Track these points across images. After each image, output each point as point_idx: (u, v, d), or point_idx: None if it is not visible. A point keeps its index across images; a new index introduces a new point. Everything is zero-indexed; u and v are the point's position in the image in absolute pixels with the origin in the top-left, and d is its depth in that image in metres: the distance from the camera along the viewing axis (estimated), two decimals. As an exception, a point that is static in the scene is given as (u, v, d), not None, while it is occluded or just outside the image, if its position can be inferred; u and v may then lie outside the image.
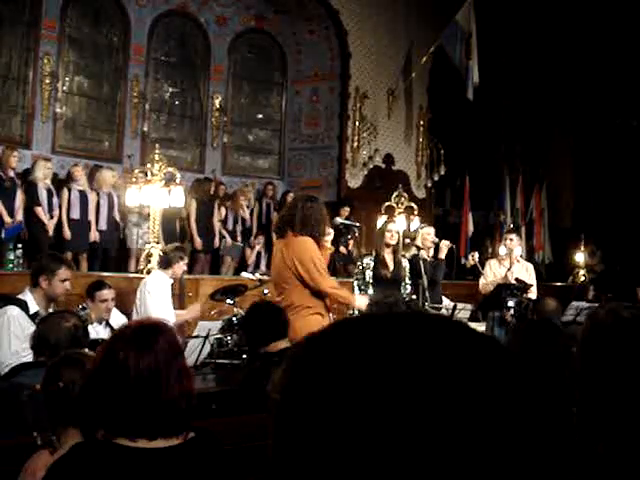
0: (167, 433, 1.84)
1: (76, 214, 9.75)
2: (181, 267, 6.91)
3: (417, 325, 0.62)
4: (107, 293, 5.78)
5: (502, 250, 8.66)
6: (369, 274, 6.90)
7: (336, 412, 0.57)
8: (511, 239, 8.51)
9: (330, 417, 0.57)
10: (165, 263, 6.92)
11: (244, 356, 7.29)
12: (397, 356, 0.58)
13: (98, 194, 10.14)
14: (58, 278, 4.70)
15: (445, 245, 7.77)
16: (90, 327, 4.92)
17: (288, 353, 0.65)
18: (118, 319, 5.97)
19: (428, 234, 7.93)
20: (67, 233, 9.64)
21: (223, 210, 11.52)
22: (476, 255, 8.67)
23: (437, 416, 0.56)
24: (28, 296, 4.66)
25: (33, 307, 4.60)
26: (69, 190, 9.78)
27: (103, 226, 10.13)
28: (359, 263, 7.11)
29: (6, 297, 5.23)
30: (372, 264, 6.94)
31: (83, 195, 9.86)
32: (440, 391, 0.57)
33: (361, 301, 5.62)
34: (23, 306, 4.57)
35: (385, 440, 0.56)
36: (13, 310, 4.54)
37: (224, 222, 11.50)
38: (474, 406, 0.57)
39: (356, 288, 6.89)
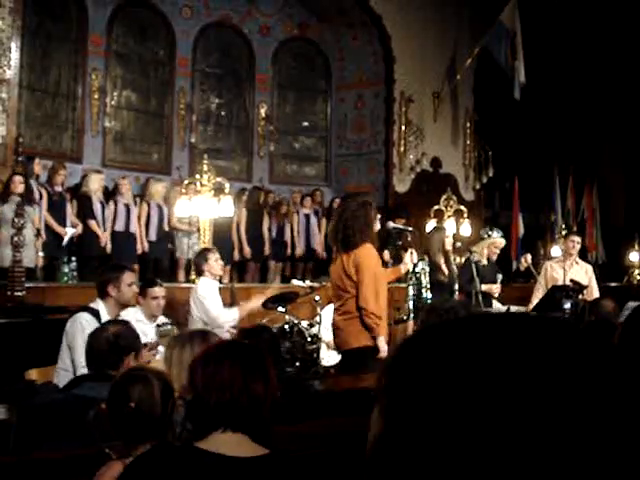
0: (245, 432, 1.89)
1: (120, 226, 9.90)
2: (214, 264, 6.78)
3: (526, 324, 0.59)
4: (158, 290, 5.80)
5: (556, 251, 8.48)
6: (426, 279, 6.80)
7: (458, 414, 0.53)
8: (578, 242, 8.30)
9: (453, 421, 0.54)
10: (198, 270, 6.95)
11: (297, 364, 7.30)
12: (521, 355, 0.55)
13: (149, 205, 10.26)
14: (125, 283, 4.78)
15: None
16: (139, 326, 4.88)
17: (386, 358, 0.61)
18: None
19: (498, 246, 7.77)
20: (109, 246, 9.78)
21: (267, 219, 11.49)
22: (529, 257, 8.50)
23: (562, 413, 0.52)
24: (100, 305, 4.75)
25: (105, 316, 4.66)
26: (115, 203, 9.94)
27: (153, 237, 10.24)
28: (413, 269, 6.97)
29: (80, 307, 5.28)
30: (427, 269, 6.84)
31: (127, 208, 10.01)
32: (569, 388, 0.53)
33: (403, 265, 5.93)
34: (95, 314, 4.64)
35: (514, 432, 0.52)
36: (85, 315, 4.62)
37: (270, 230, 11.51)
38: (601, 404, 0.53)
39: (411, 292, 6.77)
